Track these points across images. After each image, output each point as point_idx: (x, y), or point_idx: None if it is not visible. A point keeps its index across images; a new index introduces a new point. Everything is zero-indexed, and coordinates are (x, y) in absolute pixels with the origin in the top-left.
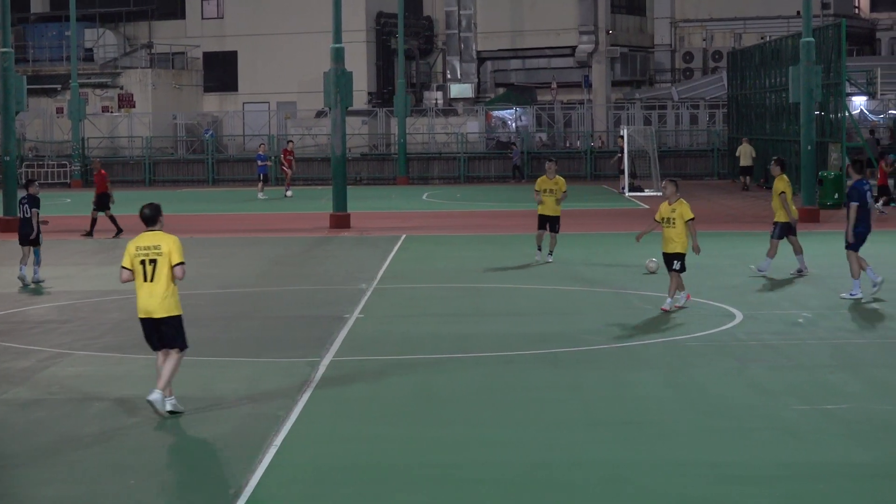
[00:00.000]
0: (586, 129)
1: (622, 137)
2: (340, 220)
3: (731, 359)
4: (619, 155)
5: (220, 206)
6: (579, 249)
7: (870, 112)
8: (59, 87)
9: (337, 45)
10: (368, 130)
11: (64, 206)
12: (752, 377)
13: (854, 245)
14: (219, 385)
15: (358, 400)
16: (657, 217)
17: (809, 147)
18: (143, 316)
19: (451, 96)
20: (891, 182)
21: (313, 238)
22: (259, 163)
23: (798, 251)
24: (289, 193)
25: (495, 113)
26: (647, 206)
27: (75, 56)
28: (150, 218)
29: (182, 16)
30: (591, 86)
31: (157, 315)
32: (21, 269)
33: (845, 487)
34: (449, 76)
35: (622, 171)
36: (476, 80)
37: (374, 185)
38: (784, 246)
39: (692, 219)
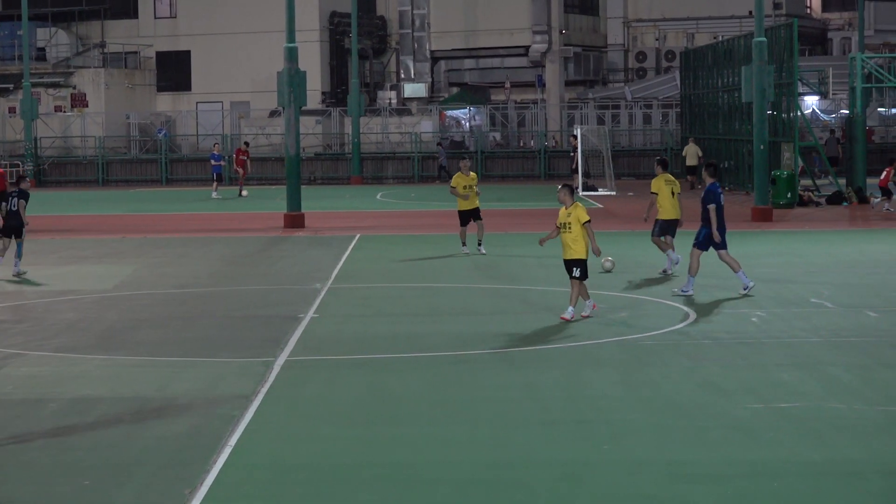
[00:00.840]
0: (540, 129)
1: (575, 137)
2: (295, 220)
3: (685, 358)
4: (573, 154)
5: (174, 206)
6: (534, 249)
7: (822, 112)
8: (11, 86)
9: (290, 45)
10: (322, 130)
11: None
12: (705, 376)
13: (721, 244)
14: (174, 385)
15: (312, 400)
16: (557, 223)
17: (762, 146)
18: None
19: (405, 96)
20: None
21: (267, 238)
22: (213, 162)
23: (670, 247)
24: (244, 193)
25: (449, 112)
26: (601, 206)
27: (27, 55)
28: None
29: (135, 15)
30: (544, 85)
31: None
32: (16, 266)
33: (798, 485)
34: (402, 76)
35: (576, 171)
36: (430, 80)
37: (329, 185)
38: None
39: (588, 221)
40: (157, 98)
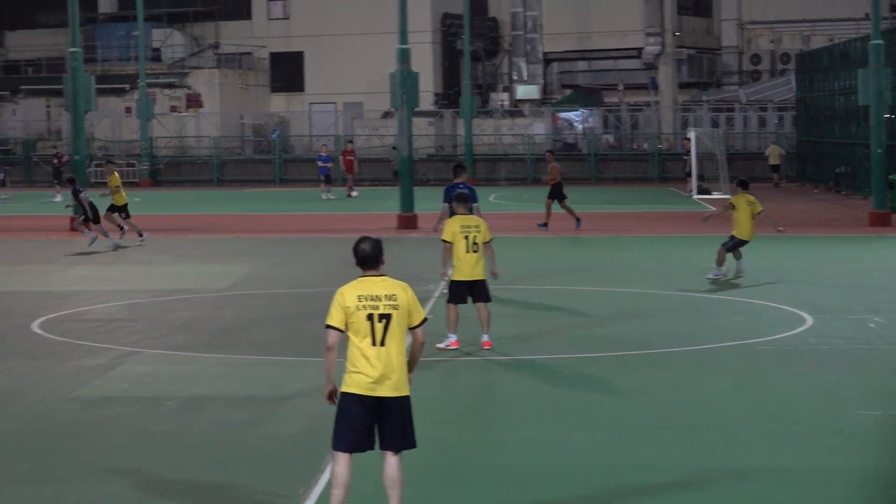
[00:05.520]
0: (653, 131)
1: (688, 139)
2: (407, 221)
3: (802, 363)
4: (686, 157)
5: (287, 207)
6: (648, 252)
7: None
8: (127, 86)
9: (403, 46)
10: (435, 131)
11: (133, 206)
12: (822, 382)
13: None
14: (288, 385)
15: (425, 401)
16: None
17: (879, 150)
18: (363, 392)
19: (518, 97)
20: None
21: (383, 238)
22: (320, 164)
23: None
24: (353, 194)
25: (562, 114)
26: (715, 209)
27: (143, 56)
28: (373, 257)
29: (249, 16)
30: (657, 88)
31: (384, 393)
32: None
33: None
34: (515, 77)
35: (689, 174)
36: (542, 82)
37: (441, 186)
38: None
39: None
40: (271, 99)
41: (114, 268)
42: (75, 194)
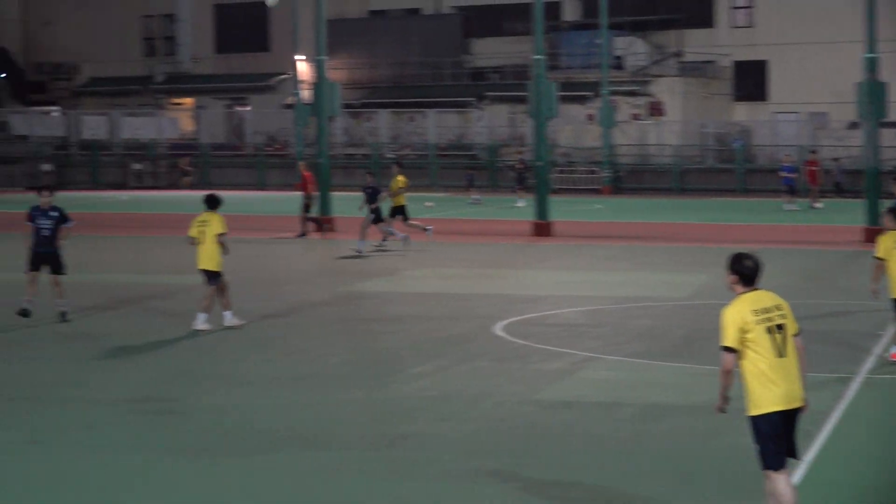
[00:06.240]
0: None
1: None
2: (874, 235)
3: None
4: None
5: (749, 217)
6: None
7: None
8: (589, 94)
9: (870, 55)
10: None
11: (593, 213)
12: None
13: None
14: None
15: (892, 419)
16: None
17: None
18: (782, 407)
19: None
20: None
21: (846, 252)
22: (783, 174)
23: None
24: (818, 205)
25: None
26: None
27: (606, 64)
28: (757, 273)
29: (711, 24)
30: None
31: (797, 403)
32: None
33: None
34: None
35: None
36: None
37: None
38: None
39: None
40: (733, 107)
41: (575, 273)
42: (372, 195)
